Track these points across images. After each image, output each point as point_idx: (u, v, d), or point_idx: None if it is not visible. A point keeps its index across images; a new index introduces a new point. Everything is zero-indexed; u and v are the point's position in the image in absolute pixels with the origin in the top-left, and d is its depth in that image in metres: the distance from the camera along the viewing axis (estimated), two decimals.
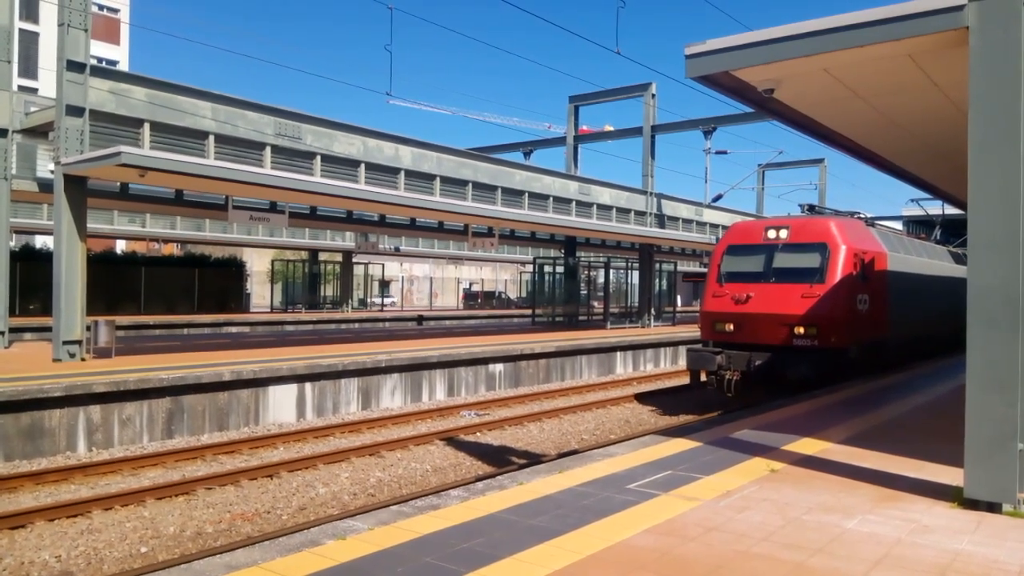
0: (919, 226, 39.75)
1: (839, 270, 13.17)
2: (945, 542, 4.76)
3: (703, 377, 14.72)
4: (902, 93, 8.07)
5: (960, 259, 21.18)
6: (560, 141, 35.77)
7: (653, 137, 31.14)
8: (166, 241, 41.35)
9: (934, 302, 17.85)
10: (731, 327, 14.01)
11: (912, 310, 16.16)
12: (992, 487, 5.35)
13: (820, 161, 41.63)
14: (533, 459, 10.99)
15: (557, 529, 4.92)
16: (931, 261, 18.07)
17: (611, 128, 36.07)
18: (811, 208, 15.95)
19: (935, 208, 23.49)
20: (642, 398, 16.94)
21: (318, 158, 18.82)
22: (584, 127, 35.70)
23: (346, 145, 19.61)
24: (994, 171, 5.31)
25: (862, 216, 16.24)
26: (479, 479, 8.97)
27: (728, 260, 14.61)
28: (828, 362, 12.81)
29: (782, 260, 13.77)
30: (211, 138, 16.56)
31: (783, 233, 14.09)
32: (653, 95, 30.84)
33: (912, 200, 22.33)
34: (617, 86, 32.28)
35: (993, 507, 5.37)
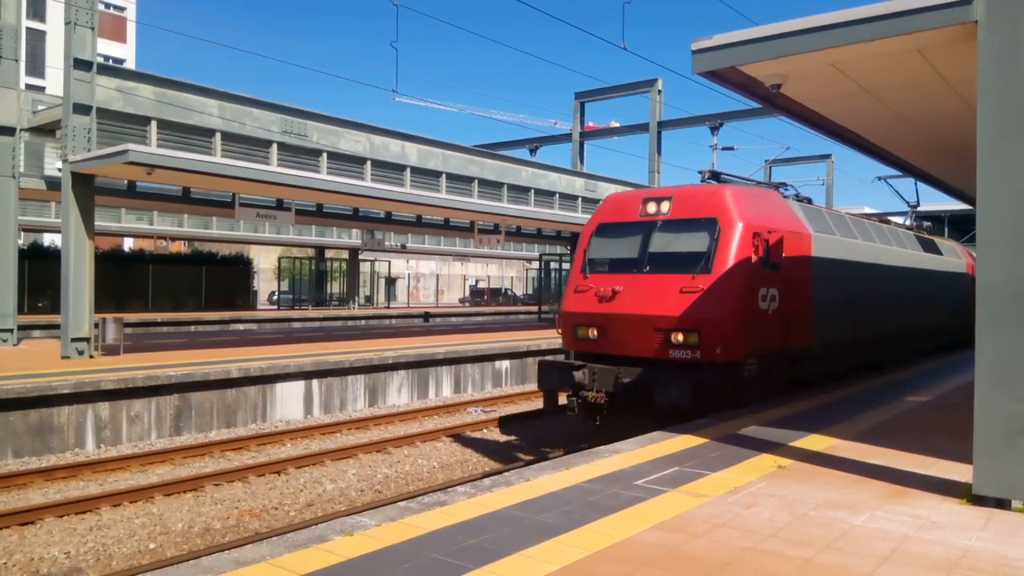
0: (928, 221, 39.48)
1: (732, 255, 9.90)
2: (954, 538, 4.74)
3: (563, 399, 11.03)
4: (910, 88, 8.03)
5: (932, 246, 17.82)
6: (566, 137, 35.73)
7: (659, 133, 31.08)
8: (173, 239, 41.47)
9: (892, 299, 14.47)
10: (594, 333, 10.65)
11: (852, 309, 12.72)
12: (1001, 483, 5.33)
13: (827, 156, 41.43)
14: (540, 455, 10.99)
15: (564, 526, 4.91)
16: (886, 247, 14.44)
17: (617, 124, 36.08)
18: (715, 176, 11.91)
19: (907, 187, 22.21)
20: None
21: (324, 155, 18.85)
22: (590, 123, 35.69)
23: (352, 142, 19.62)
24: (1004, 166, 5.27)
25: (788, 189, 12.70)
26: (486, 476, 8.97)
27: (596, 243, 11.20)
28: (712, 381, 9.59)
29: (660, 243, 10.47)
30: (218, 136, 16.60)
31: (664, 207, 10.68)
32: (659, 91, 30.78)
33: (879, 178, 19.99)
34: (623, 82, 32.22)
35: (1002, 503, 5.34)
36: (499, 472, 9.58)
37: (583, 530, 4.83)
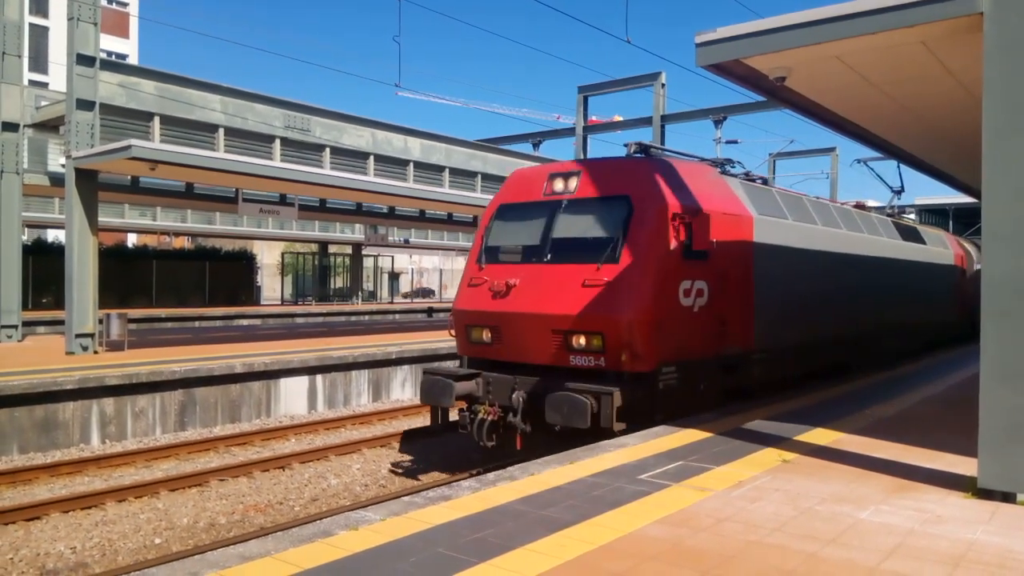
0: (933, 215, 39.39)
1: (645, 240, 8.29)
2: (959, 532, 4.73)
3: (454, 414, 9.62)
4: (915, 80, 7.98)
5: (913, 234, 16.17)
6: (569, 132, 35.60)
7: (663, 127, 30.95)
8: (177, 234, 41.54)
9: (860, 294, 12.89)
10: (488, 335, 9.11)
11: (807, 306, 11.13)
12: (1006, 477, 5.31)
13: (832, 150, 41.32)
14: (544, 449, 10.97)
15: (568, 520, 4.91)
16: (854, 235, 12.80)
17: (621, 118, 35.93)
18: (643, 149, 9.68)
19: (891, 170, 20.10)
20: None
21: (327, 150, 18.84)
22: (594, 117, 35.57)
23: (355, 137, 19.61)
24: (1009, 160, 5.25)
25: (735, 167, 10.82)
26: (490, 470, 8.96)
27: (495, 228, 9.60)
28: (619, 394, 7.95)
29: (564, 227, 8.86)
30: (221, 131, 16.60)
31: (572, 183, 9.03)
32: (663, 84, 30.67)
33: (858, 160, 18.37)
34: (627, 75, 32.09)
35: (1008, 497, 5.33)
36: (503, 466, 9.59)
37: (587, 524, 4.83)
